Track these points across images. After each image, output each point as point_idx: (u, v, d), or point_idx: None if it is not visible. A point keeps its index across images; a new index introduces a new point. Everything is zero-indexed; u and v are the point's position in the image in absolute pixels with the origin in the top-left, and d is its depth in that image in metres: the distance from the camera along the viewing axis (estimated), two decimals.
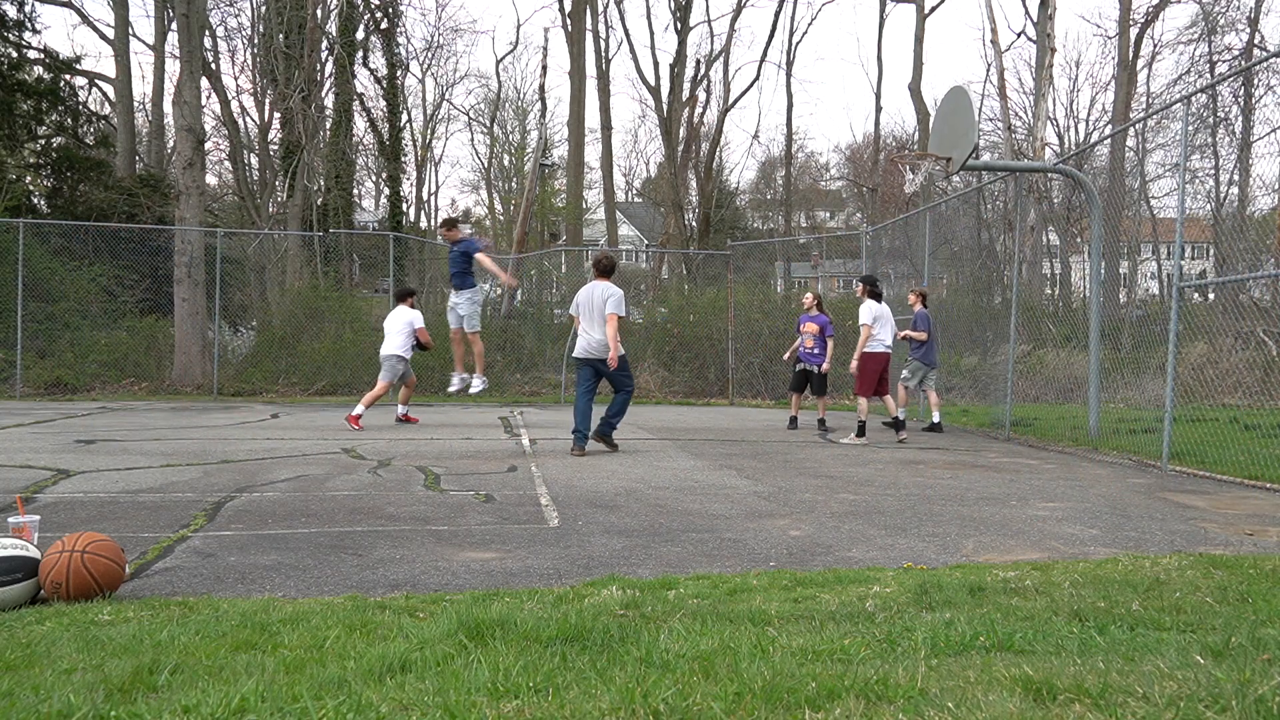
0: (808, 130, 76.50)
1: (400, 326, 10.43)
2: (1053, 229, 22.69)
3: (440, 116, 36.54)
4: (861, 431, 9.37)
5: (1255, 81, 19.76)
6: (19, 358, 14.20)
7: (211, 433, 9.30)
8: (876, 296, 9.61)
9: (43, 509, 4.84)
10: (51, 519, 4.56)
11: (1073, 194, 19.87)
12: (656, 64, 54.58)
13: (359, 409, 10.00)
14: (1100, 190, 13.67)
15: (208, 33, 21.82)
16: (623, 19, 64.73)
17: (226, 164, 26.96)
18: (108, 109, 26.70)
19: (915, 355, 10.42)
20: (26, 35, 20.33)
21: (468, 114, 39.77)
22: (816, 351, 10.38)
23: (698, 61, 29.41)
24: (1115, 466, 7.74)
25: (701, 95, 29.86)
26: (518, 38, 68.03)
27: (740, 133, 77.26)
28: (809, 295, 10.81)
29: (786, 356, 11.26)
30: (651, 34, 62.96)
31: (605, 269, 8.22)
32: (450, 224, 10.53)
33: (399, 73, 26.30)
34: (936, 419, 10.67)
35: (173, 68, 19.95)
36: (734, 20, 44.60)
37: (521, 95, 41.47)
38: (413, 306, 10.89)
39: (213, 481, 6.00)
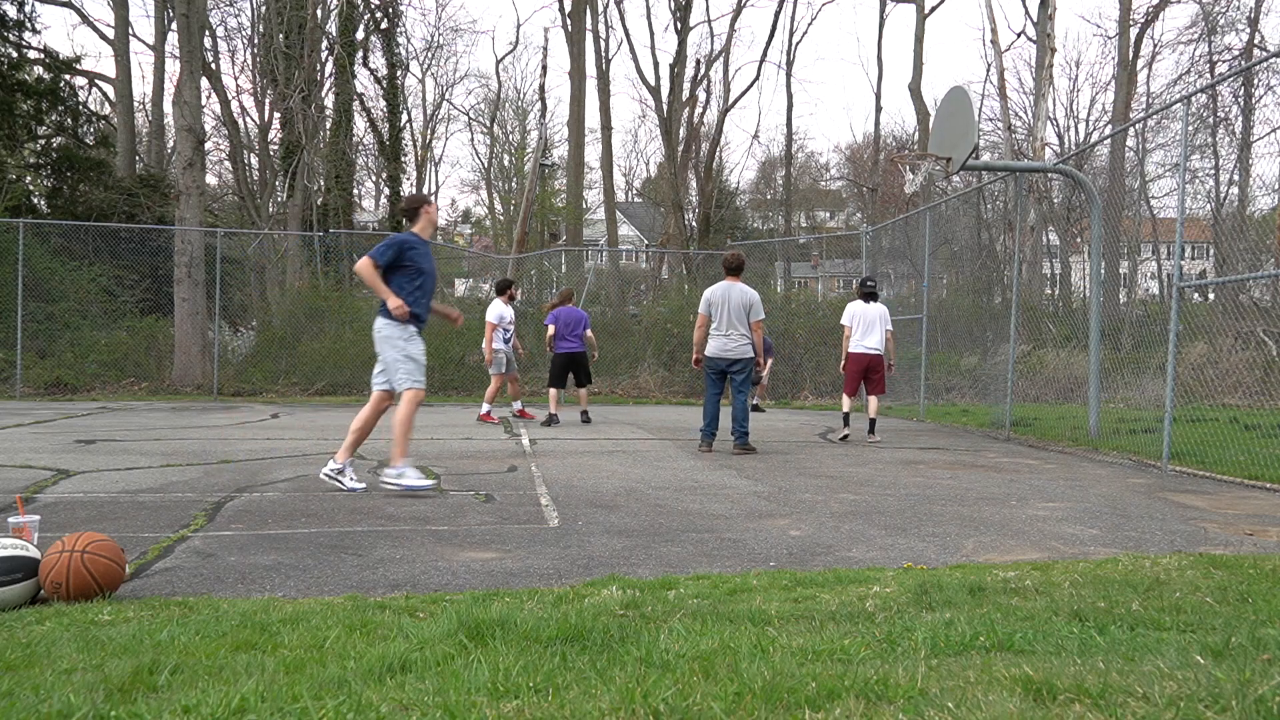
0: (808, 130, 76.61)
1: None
2: (1053, 229, 22.69)
3: (440, 116, 36.61)
4: (846, 423, 9.68)
5: (1255, 81, 19.77)
6: (19, 358, 14.20)
7: (211, 433, 9.30)
8: (867, 297, 9.66)
9: (43, 509, 4.84)
10: (51, 519, 4.56)
11: (1073, 194, 19.89)
12: (656, 64, 54.33)
13: (485, 406, 11.12)
14: (1100, 190, 13.66)
15: (208, 33, 21.83)
16: (623, 19, 64.66)
17: (226, 164, 27.00)
18: (108, 109, 26.73)
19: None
20: (26, 35, 20.36)
21: (468, 114, 39.83)
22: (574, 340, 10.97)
23: (698, 61, 29.42)
24: (1115, 466, 7.74)
25: (701, 95, 29.87)
26: (518, 38, 68.11)
27: (740, 133, 77.42)
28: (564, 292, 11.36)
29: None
30: (651, 34, 62.80)
31: (736, 268, 8.17)
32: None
33: (399, 73, 26.29)
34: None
35: (173, 68, 19.99)
36: (734, 20, 44.47)
37: (521, 95, 41.56)
38: (509, 300, 10.97)
39: (213, 481, 6.00)
